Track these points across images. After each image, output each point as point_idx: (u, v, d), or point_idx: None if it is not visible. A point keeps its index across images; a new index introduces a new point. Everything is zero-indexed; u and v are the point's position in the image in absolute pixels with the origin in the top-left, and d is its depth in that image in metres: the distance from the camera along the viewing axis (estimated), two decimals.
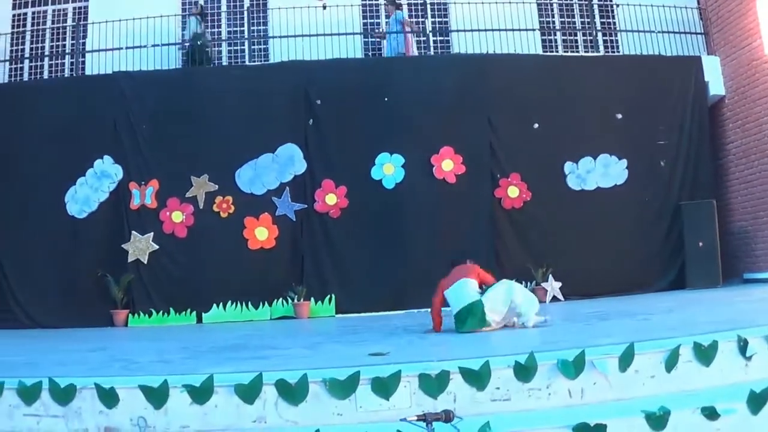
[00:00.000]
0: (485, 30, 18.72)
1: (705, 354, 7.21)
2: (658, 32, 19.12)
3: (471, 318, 10.56)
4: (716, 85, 18.57)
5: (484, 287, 10.88)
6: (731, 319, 9.32)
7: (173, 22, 19.40)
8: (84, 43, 19.51)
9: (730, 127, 18.46)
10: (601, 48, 20.18)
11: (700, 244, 17.39)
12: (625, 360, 7.03)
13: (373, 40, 20.28)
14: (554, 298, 16.97)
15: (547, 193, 17.52)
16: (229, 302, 16.99)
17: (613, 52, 20.24)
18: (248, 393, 6.73)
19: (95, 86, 17.91)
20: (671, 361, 7.11)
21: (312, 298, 17.06)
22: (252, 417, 6.74)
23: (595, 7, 20.34)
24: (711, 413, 6.48)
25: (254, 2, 19.88)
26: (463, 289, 10.75)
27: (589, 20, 20.11)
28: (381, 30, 20.04)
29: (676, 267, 17.83)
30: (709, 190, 18.08)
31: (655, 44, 19.04)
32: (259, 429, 6.68)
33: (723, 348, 7.29)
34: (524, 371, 6.89)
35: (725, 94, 18.55)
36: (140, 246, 17.13)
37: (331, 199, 17.34)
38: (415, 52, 19.37)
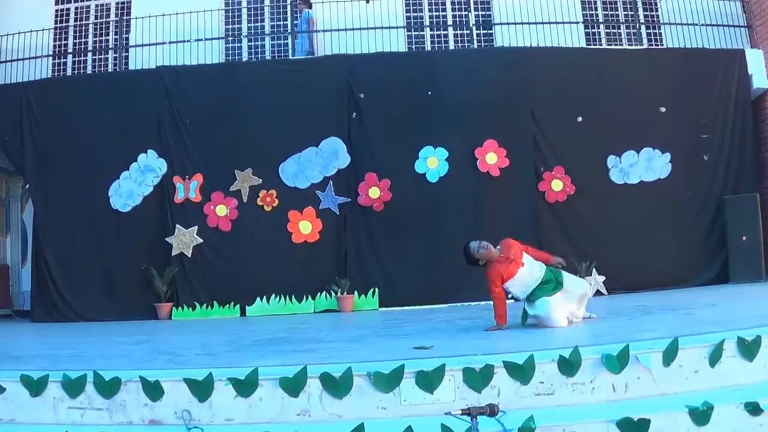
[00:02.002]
0: (528, 23, 18.66)
1: (749, 349, 7.17)
2: (702, 25, 18.97)
3: (546, 286, 10.27)
4: (759, 79, 18.40)
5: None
6: None
7: (216, 16, 19.49)
8: (127, 38, 19.60)
9: None
10: (645, 41, 20.05)
11: (744, 238, 17.26)
12: (669, 355, 7.01)
13: (417, 34, 20.24)
14: (598, 292, 16.90)
15: (590, 187, 17.43)
16: (273, 295, 17.07)
17: (657, 45, 20.10)
18: (293, 386, 6.76)
19: (139, 81, 18.03)
20: (715, 356, 7.08)
21: (355, 292, 17.09)
22: (296, 410, 6.77)
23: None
24: (754, 409, 6.45)
25: None
26: (530, 274, 10.37)
27: (632, 13, 19.97)
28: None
29: (720, 261, 17.68)
30: (752, 184, 17.92)
31: (698, 37, 18.91)
32: (304, 422, 6.71)
33: (767, 343, 7.25)
34: (568, 365, 6.88)
35: None
36: (184, 239, 17.23)
37: (374, 192, 17.35)
38: (321, 52, 19.34)
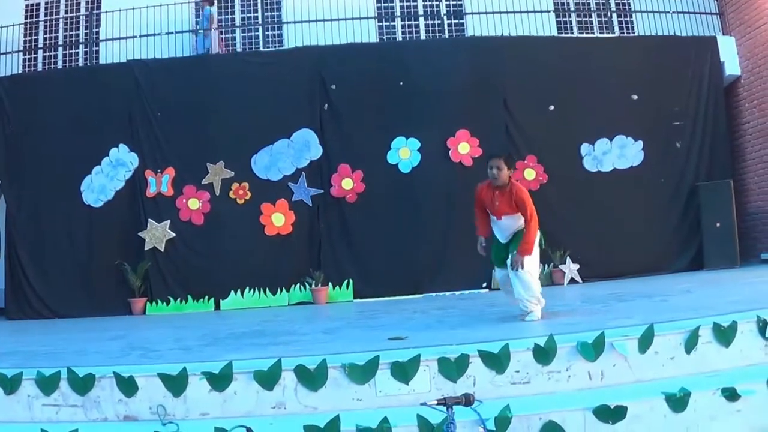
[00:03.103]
0: (500, 12, 18.71)
1: (724, 335, 7.19)
2: (673, 12, 19.05)
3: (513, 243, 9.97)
4: (732, 65, 18.47)
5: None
6: (750, 299, 9.29)
7: (186, 9, 19.42)
8: (98, 33, 19.50)
9: (746, 107, 18.37)
10: (616, 29, 20.12)
11: (718, 224, 17.32)
12: (645, 341, 7.02)
13: (388, 24, 20.21)
14: (572, 281, 16.96)
15: (563, 175, 17.43)
16: (247, 289, 17.03)
17: (628, 33, 20.15)
18: (267, 379, 6.74)
19: (109, 75, 17.90)
20: (691, 343, 7.10)
21: (330, 284, 17.08)
22: (271, 403, 6.75)
23: None
24: (731, 394, 6.46)
25: None
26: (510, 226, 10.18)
27: (604, 1, 19.99)
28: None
29: (694, 248, 17.75)
30: (725, 171, 17.96)
31: (670, 25, 18.99)
32: (279, 415, 6.69)
33: (742, 329, 7.28)
34: (544, 354, 6.88)
35: (741, 74, 18.46)
36: (157, 234, 17.16)
37: (347, 183, 17.33)
38: (222, 50, 19.39)
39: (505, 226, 10.06)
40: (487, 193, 10.03)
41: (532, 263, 9.80)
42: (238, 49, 19.98)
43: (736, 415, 6.47)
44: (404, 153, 17.26)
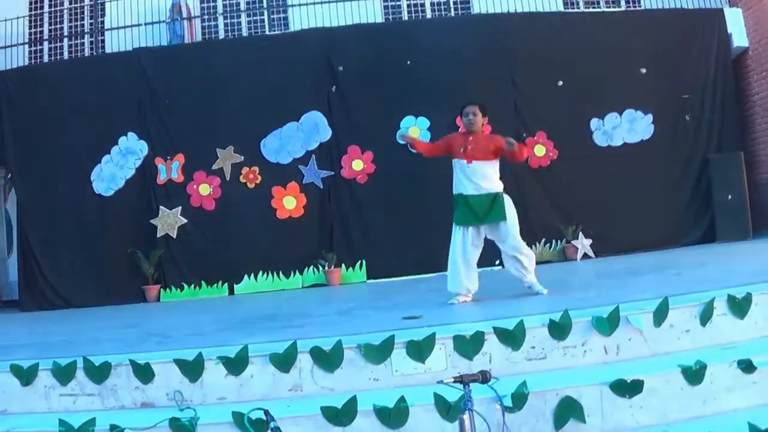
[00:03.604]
0: None
1: (739, 307, 7.17)
2: None
3: (495, 213, 10.00)
4: (739, 37, 18.36)
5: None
6: (764, 270, 9.23)
7: None
8: (103, 22, 19.48)
9: (754, 79, 18.27)
10: (623, 3, 20.01)
11: (729, 196, 17.26)
12: (660, 315, 7.01)
13: (393, 4, 20.14)
14: (585, 256, 16.95)
15: (574, 151, 17.40)
16: (260, 272, 17.07)
17: (635, 6, 20.03)
18: (283, 362, 6.76)
19: (116, 64, 17.87)
20: (706, 315, 7.09)
21: (342, 265, 17.13)
22: (288, 386, 6.77)
23: None
24: (747, 366, 6.46)
25: None
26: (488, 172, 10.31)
27: None
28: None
29: (706, 221, 17.70)
30: (736, 143, 17.90)
31: None
32: (296, 397, 6.70)
33: (757, 300, 7.25)
34: (559, 329, 6.88)
35: (749, 45, 18.35)
36: (169, 221, 17.19)
37: (357, 164, 17.34)
38: (197, 38, 19.39)
39: (474, 171, 10.12)
40: (457, 139, 10.28)
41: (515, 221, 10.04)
42: (244, 34, 19.92)
43: (753, 386, 6.47)
44: (413, 132, 17.19)
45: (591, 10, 19.69)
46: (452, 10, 19.62)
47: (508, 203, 10.09)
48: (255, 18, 20.09)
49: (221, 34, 19.77)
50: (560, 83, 17.51)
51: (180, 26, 18.92)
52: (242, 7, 20.23)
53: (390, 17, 19.95)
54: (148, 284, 16.96)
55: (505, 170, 16.74)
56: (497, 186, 10.15)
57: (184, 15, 19.08)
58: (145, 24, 18.64)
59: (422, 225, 16.68)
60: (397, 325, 7.75)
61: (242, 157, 17.29)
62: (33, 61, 19.89)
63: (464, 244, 10.06)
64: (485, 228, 10.09)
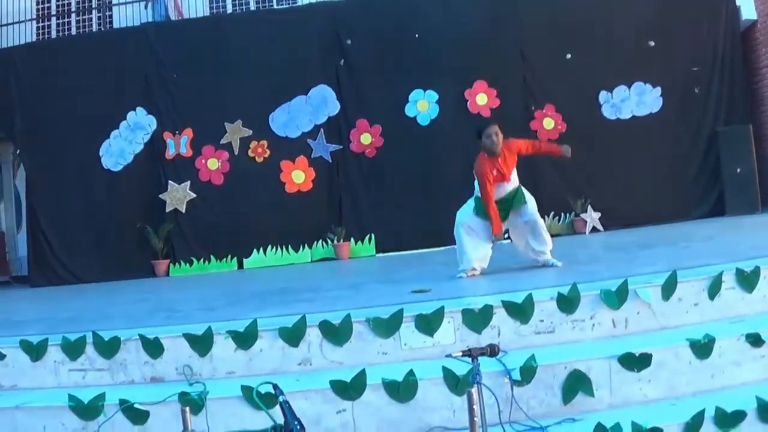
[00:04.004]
0: None
1: (748, 280, 7.16)
2: None
3: (517, 200, 9.98)
4: (748, 10, 18.21)
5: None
6: None
7: None
8: None
9: (763, 52, 18.15)
10: None
11: (738, 170, 17.19)
12: (668, 288, 7.00)
13: None
14: (594, 229, 16.94)
15: (582, 124, 17.34)
16: (269, 246, 17.14)
17: None
18: (292, 336, 6.77)
19: (124, 39, 17.89)
20: (714, 289, 7.07)
21: (351, 239, 17.17)
22: (297, 360, 6.79)
23: None
24: (756, 340, 6.45)
25: None
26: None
27: None
28: None
29: (715, 194, 17.61)
30: (745, 116, 17.77)
31: None
32: (305, 371, 6.72)
33: (765, 274, 7.23)
34: (567, 303, 6.88)
35: (757, 18, 18.23)
36: (177, 195, 17.22)
37: (366, 138, 17.34)
38: (179, 16, 19.34)
39: (513, 181, 10.01)
40: (487, 167, 9.82)
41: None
42: (252, 8, 19.89)
43: (761, 360, 6.47)
44: (422, 105, 17.20)
45: None
46: None
47: (526, 192, 10.09)
48: None
49: (229, 8, 19.73)
50: (569, 56, 17.44)
51: (161, 5, 18.90)
52: None
53: None
54: (158, 259, 17.05)
55: None
56: (517, 181, 10.08)
57: None
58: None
59: (431, 198, 16.71)
60: (405, 298, 7.76)
61: (251, 131, 17.31)
62: (41, 37, 19.89)
63: (476, 224, 10.01)
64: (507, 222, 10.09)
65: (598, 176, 17.12)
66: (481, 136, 10.02)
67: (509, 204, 9.96)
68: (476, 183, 10.09)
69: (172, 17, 18.97)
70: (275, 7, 19.22)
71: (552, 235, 13.08)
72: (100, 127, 17.34)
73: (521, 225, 10.09)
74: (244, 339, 6.80)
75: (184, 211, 17.30)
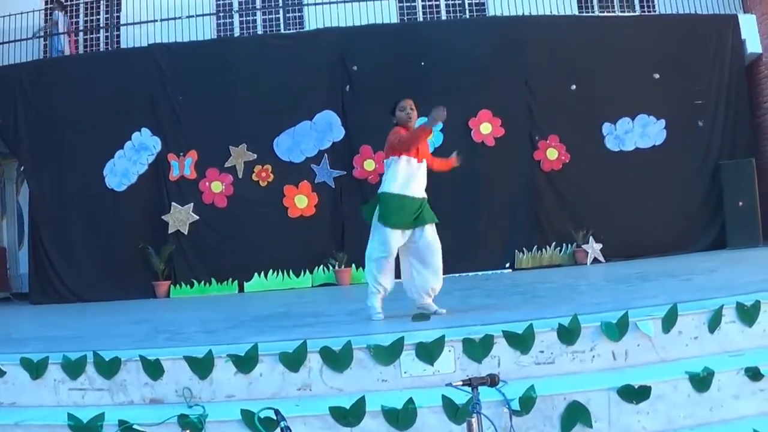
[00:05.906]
0: None
1: (748, 314, 7.16)
2: None
3: (427, 213, 9.61)
4: (753, 43, 18.34)
5: None
6: None
7: None
8: (118, 17, 19.60)
9: (767, 86, 18.27)
10: (637, 7, 20.05)
11: (740, 203, 17.25)
12: (669, 321, 7.01)
13: (408, 5, 20.18)
14: (595, 260, 16.96)
15: (585, 155, 17.42)
16: (271, 271, 17.13)
17: (649, 11, 20.07)
18: (293, 361, 6.76)
19: (131, 59, 17.98)
20: (714, 322, 7.08)
21: (353, 265, 17.12)
22: (297, 385, 6.78)
23: None
24: (755, 374, 6.45)
25: None
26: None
27: None
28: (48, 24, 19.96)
29: (717, 227, 17.71)
30: (748, 149, 17.89)
31: (690, 3, 18.89)
32: (305, 396, 6.73)
33: (766, 308, 7.22)
34: (568, 334, 6.88)
35: (762, 52, 18.34)
36: (180, 217, 17.25)
37: (369, 165, 17.36)
38: (73, 51, 19.59)
39: (423, 170, 9.64)
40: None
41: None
42: (259, 32, 20.00)
43: (760, 394, 6.46)
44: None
45: (605, 14, 19.72)
46: (467, 12, 19.67)
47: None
48: (270, 16, 20.19)
49: (236, 32, 19.83)
50: (573, 87, 17.53)
51: (58, 41, 19.07)
52: (258, 5, 20.30)
53: (405, 18, 20.07)
54: (159, 280, 17.05)
55: (521, 173, 16.94)
56: (424, 192, 9.70)
57: (61, 29, 19.24)
58: (161, 20, 18.69)
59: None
60: (406, 326, 7.77)
61: (255, 155, 17.35)
62: (48, 54, 19.95)
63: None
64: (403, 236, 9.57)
65: (601, 207, 17.15)
66: (395, 111, 9.85)
67: (418, 212, 9.49)
68: (384, 177, 9.69)
69: (66, 52, 19.18)
70: (282, 32, 19.28)
71: (553, 266, 13.09)
72: (104, 146, 17.39)
73: (422, 247, 9.57)
74: (245, 363, 6.80)
75: (186, 233, 17.30)
